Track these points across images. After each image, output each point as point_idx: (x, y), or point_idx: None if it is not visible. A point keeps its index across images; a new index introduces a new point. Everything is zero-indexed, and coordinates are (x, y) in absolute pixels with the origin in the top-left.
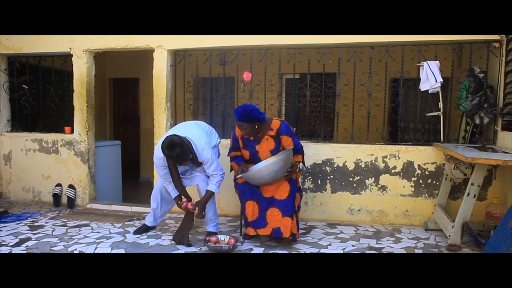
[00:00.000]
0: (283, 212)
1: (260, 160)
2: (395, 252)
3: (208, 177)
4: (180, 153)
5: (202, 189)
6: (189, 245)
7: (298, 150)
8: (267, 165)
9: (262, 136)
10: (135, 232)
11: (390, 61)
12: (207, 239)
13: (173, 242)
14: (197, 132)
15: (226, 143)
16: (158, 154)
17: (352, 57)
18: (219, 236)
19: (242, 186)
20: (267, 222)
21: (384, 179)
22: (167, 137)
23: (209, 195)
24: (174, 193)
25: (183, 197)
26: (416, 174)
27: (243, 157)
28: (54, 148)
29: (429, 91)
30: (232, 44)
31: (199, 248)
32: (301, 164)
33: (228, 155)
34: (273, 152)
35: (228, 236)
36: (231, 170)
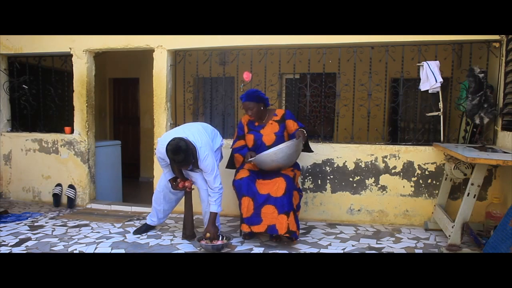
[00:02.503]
0: (279, 210)
1: (263, 144)
2: (395, 252)
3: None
4: (183, 159)
5: (201, 187)
6: (193, 237)
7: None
8: (281, 148)
9: (267, 121)
10: (135, 232)
11: (390, 61)
12: (201, 238)
13: (184, 239)
14: (203, 138)
15: (226, 143)
16: (160, 149)
17: (352, 57)
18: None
19: (238, 182)
20: (261, 219)
21: (384, 179)
22: (174, 139)
23: (213, 216)
24: (168, 175)
25: (178, 179)
26: (416, 174)
27: (247, 147)
28: (54, 148)
29: (429, 91)
30: (232, 44)
31: (199, 248)
32: (301, 165)
33: (231, 147)
34: (278, 135)
35: (221, 236)
36: (226, 166)
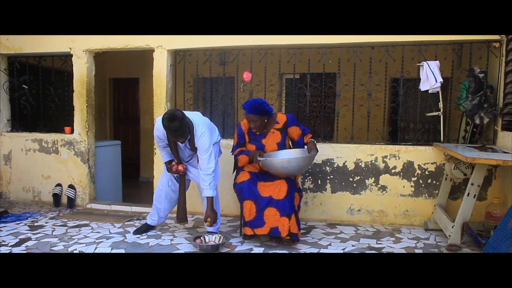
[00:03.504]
0: (281, 212)
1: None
2: (395, 252)
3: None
4: (178, 126)
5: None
6: (185, 220)
7: (309, 133)
8: (297, 158)
9: (268, 130)
10: (136, 232)
11: (390, 61)
12: (197, 238)
13: (177, 223)
14: (201, 119)
15: (226, 143)
16: (158, 126)
17: (352, 57)
18: (205, 236)
19: (239, 186)
20: (264, 222)
21: (384, 179)
22: (171, 109)
23: (210, 201)
24: (165, 158)
25: (173, 162)
26: (416, 174)
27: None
28: (54, 148)
29: (429, 91)
30: (232, 44)
31: (198, 248)
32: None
33: (232, 154)
34: (280, 145)
35: (218, 236)
36: (233, 171)
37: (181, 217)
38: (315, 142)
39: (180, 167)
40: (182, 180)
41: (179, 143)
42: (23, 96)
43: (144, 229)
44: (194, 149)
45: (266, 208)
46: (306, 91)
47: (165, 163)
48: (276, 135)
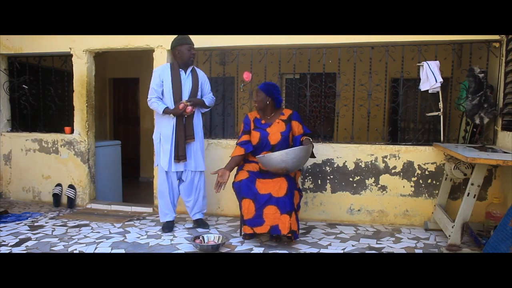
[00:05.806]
0: (281, 210)
1: (269, 142)
2: (395, 252)
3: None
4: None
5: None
6: (185, 156)
7: (308, 135)
8: (293, 149)
9: (274, 119)
10: (164, 231)
11: (390, 61)
12: (196, 238)
13: (176, 162)
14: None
15: (226, 143)
16: (161, 66)
17: (352, 57)
18: (205, 236)
19: (238, 185)
20: (264, 220)
21: (384, 179)
22: None
23: (201, 101)
24: (162, 106)
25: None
26: (416, 174)
27: (251, 143)
28: (54, 148)
29: (429, 91)
30: (232, 44)
31: (198, 248)
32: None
33: (237, 143)
34: (283, 134)
35: (218, 236)
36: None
37: (182, 154)
38: (311, 139)
39: (188, 108)
40: (181, 121)
41: (182, 79)
42: (23, 96)
43: (170, 226)
44: (195, 86)
45: (265, 206)
46: (306, 91)
47: (164, 110)
48: (281, 125)
